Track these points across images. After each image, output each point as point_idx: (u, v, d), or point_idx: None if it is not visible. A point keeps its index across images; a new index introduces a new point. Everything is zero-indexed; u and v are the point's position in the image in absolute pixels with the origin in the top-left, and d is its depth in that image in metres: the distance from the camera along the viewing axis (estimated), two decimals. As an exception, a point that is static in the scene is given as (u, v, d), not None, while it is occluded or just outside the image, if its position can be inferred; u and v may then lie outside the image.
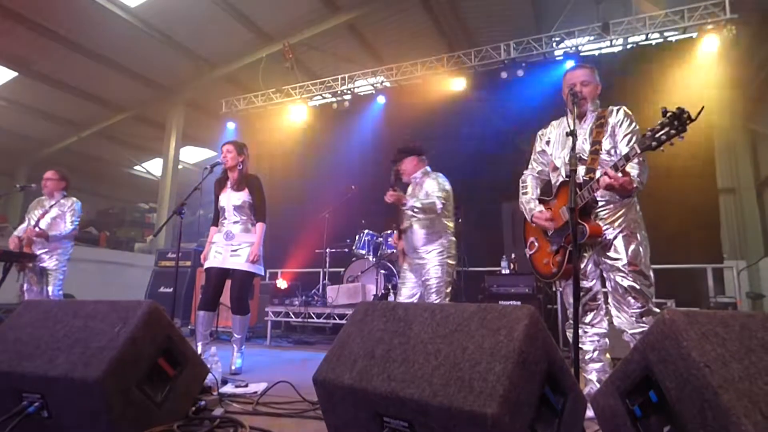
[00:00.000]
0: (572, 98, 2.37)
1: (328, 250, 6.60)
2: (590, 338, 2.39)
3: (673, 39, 6.47)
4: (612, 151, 2.37)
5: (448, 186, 3.71)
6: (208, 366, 2.74)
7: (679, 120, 1.89)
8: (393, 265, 5.75)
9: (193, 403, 2.10)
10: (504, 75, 7.19)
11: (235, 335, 3.62)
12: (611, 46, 6.81)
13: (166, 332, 1.94)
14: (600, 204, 2.36)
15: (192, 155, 14.03)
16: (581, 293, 2.37)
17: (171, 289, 6.31)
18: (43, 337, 1.87)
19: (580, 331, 2.39)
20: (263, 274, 3.90)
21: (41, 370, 1.75)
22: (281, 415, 2.25)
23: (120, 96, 10.80)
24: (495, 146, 6.78)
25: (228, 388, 2.75)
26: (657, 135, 1.95)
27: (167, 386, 1.92)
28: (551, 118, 2.76)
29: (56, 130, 11.76)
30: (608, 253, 2.32)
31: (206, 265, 3.64)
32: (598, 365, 2.38)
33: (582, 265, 2.37)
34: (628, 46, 6.72)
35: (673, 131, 1.91)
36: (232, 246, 3.61)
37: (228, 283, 3.68)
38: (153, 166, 14.00)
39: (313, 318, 5.55)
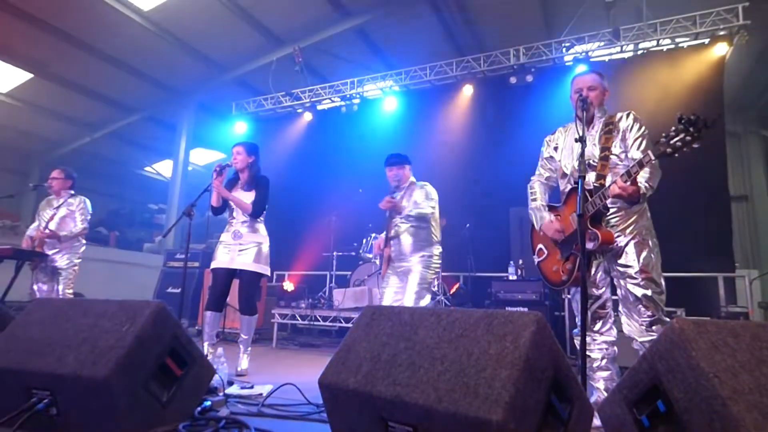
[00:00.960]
0: (581, 104, 2.36)
1: (335, 254, 6.61)
2: (599, 346, 2.36)
3: (685, 45, 6.42)
4: (623, 156, 2.35)
5: (436, 195, 3.79)
6: (215, 367, 2.76)
7: (695, 126, 1.87)
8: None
9: (199, 404, 2.11)
10: (513, 80, 7.19)
11: (242, 336, 3.63)
12: (621, 51, 6.77)
13: (173, 332, 1.95)
14: (611, 211, 2.34)
15: (202, 157, 14.14)
16: (591, 301, 2.36)
17: (179, 290, 6.38)
18: (53, 335, 1.89)
19: (589, 339, 2.37)
20: (269, 274, 3.90)
21: (50, 367, 1.77)
22: (286, 418, 2.25)
23: (132, 98, 10.93)
24: (502, 151, 6.76)
25: (234, 390, 2.76)
26: (672, 141, 1.93)
27: (174, 386, 1.93)
28: (559, 124, 2.75)
29: (69, 130, 11.92)
30: (619, 261, 2.30)
31: (213, 265, 3.66)
32: (606, 374, 2.35)
33: (592, 273, 2.35)
34: (639, 52, 6.69)
35: (688, 138, 1.89)
36: (239, 246, 3.62)
37: (235, 283, 3.69)
38: (163, 168, 14.13)
39: (319, 321, 5.56)
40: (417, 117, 7.79)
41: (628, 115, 2.40)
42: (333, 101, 8.74)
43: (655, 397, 1.44)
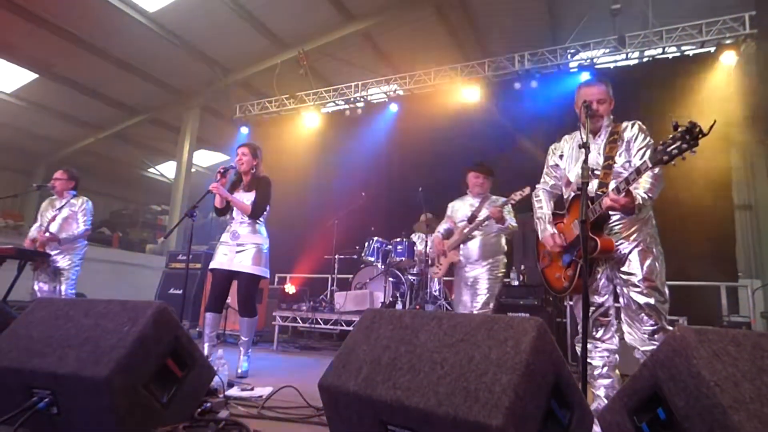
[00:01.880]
0: (585, 111, 2.36)
1: (336, 257, 6.61)
2: (600, 354, 2.36)
3: (690, 53, 6.42)
4: (626, 165, 2.35)
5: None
6: (215, 368, 2.76)
7: (691, 134, 1.87)
8: (401, 273, 5.74)
9: (199, 405, 2.11)
10: (517, 86, 7.20)
11: (242, 338, 3.62)
12: (627, 59, 6.78)
13: (174, 333, 1.95)
14: (614, 218, 2.33)
15: (205, 159, 14.19)
16: (592, 308, 2.35)
17: (180, 291, 6.38)
18: (54, 334, 1.90)
19: (591, 346, 2.37)
20: (268, 276, 3.90)
21: (51, 367, 1.77)
22: (286, 420, 2.25)
23: (136, 99, 10.98)
24: (507, 156, 6.75)
25: (234, 391, 2.76)
26: (668, 149, 1.93)
27: (174, 387, 1.93)
28: (563, 130, 2.75)
29: (74, 131, 11.98)
30: (622, 269, 2.29)
31: (212, 265, 3.65)
32: (607, 381, 2.34)
33: (594, 280, 2.35)
34: (644, 60, 6.69)
35: (684, 145, 1.89)
36: (237, 247, 3.62)
37: (235, 285, 3.68)
38: (166, 169, 14.18)
39: (320, 324, 5.55)
40: (421, 121, 7.79)
41: (633, 125, 2.40)
42: (337, 104, 8.77)
43: (655, 404, 1.44)
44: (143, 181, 15.04)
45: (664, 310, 2.22)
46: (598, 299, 2.36)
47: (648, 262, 2.25)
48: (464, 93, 7.55)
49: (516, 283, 5.40)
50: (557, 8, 8.25)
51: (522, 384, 1.27)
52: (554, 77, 7.08)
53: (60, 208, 4.55)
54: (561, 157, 2.63)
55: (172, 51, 9.16)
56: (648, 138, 2.36)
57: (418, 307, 5.35)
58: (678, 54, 6.49)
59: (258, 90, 10.19)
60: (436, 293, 5.73)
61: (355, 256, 6.40)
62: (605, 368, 2.35)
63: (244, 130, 9.48)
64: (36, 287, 4.47)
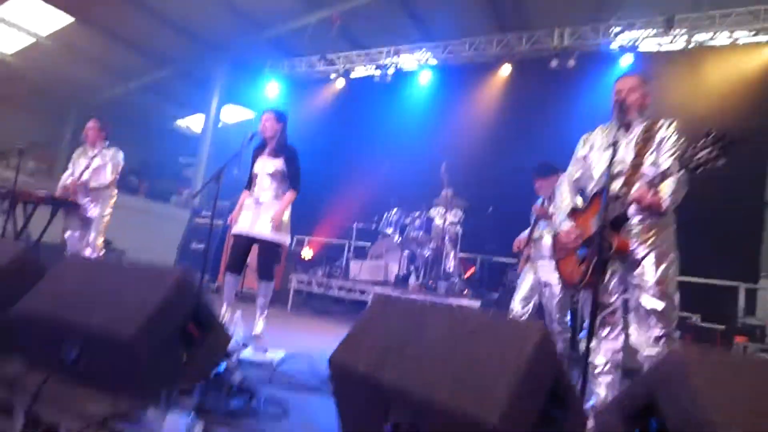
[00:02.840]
0: (618, 107, 2.30)
1: (355, 225, 6.69)
2: (604, 352, 2.39)
3: (742, 42, 6.07)
4: (654, 165, 2.30)
5: None
6: (231, 329, 2.90)
7: (722, 142, 1.83)
8: (418, 246, 5.80)
9: (216, 366, 2.24)
10: (554, 64, 6.95)
11: (260, 299, 3.75)
12: (673, 43, 6.45)
13: (195, 299, 2.05)
14: (635, 220, 2.31)
15: (233, 114, 14.23)
16: (602, 308, 2.37)
17: (202, 246, 6.59)
18: (84, 291, 2.02)
19: (595, 343, 2.40)
20: (288, 243, 3.99)
21: (81, 320, 1.90)
22: (295, 389, 2.37)
23: (168, 50, 11.00)
24: (535, 138, 6.62)
25: (248, 353, 2.90)
26: (696, 156, 1.89)
27: (193, 349, 2.04)
28: (598, 116, 2.66)
29: (105, 78, 12.13)
30: (636, 271, 2.28)
31: (234, 230, 3.75)
32: (608, 378, 2.38)
33: (606, 279, 2.35)
34: (692, 45, 6.35)
35: (714, 153, 1.85)
36: (260, 212, 3.69)
37: (255, 248, 3.78)
38: (194, 122, 14.31)
39: (334, 290, 5.70)
40: (451, 93, 7.67)
41: (670, 124, 2.32)
42: (367, 69, 8.64)
43: (649, 414, 1.48)
44: (171, 132, 15.22)
45: (673, 317, 2.23)
46: (608, 299, 2.37)
47: (662, 267, 2.24)
48: (498, 67, 7.34)
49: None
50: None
51: (521, 387, 1.31)
52: (593, 58, 6.82)
53: (92, 157, 4.68)
54: (591, 148, 2.58)
55: (204, 2, 9.08)
56: (683, 140, 2.29)
57: (431, 282, 5.43)
58: (730, 41, 6.14)
59: (289, 48, 10.08)
60: (450, 270, 5.80)
61: (374, 226, 6.47)
62: (608, 366, 2.38)
63: (273, 88, 9.46)
64: (66, 235, 4.67)
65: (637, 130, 2.40)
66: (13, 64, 10.91)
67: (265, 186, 3.75)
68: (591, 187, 2.56)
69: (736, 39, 6.11)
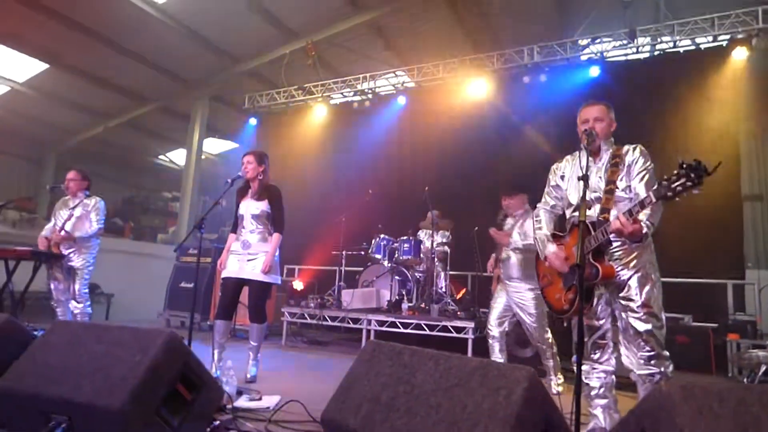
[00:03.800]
0: (587, 137, 2.37)
1: (344, 252, 6.69)
2: (597, 375, 2.41)
3: (702, 47, 6.30)
4: (627, 190, 2.36)
5: None
6: (224, 379, 2.87)
7: (696, 172, 1.88)
8: (407, 270, 5.81)
9: (209, 424, 2.21)
10: (526, 79, 7.13)
11: (252, 343, 3.73)
12: (638, 52, 6.66)
13: (183, 360, 2.04)
14: (615, 244, 2.35)
15: (215, 146, 14.26)
16: (592, 332, 2.40)
17: (191, 285, 6.53)
18: (70, 361, 1.99)
19: (588, 367, 2.43)
20: (280, 282, 3.99)
21: (68, 395, 1.87)
22: (292, 436, 2.35)
23: (146, 88, 11.01)
24: (515, 152, 6.73)
25: (242, 401, 2.86)
26: (673, 186, 1.94)
27: (184, 410, 2.02)
28: (571, 124, 2.69)
29: (84, 119, 12.07)
30: (622, 294, 2.32)
31: (224, 274, 3.74)
32: (603, 401, 2.41)
33: (593, 305, 2.39)
34: (656, 53, 6.57)
35: (689, 183, 1.90)
36: (248, 255, 3.70)
37: (245, 289, 3.77)
38: (177, 156, 14.28)
39: (327, 321, 5.67)
40: (429, 113, 7.76)
41: (634, 149, 2.40)
42: (345, 96, 8.75)
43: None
44: (154, 168, 15.17)
45: (661, 336, 2.26)
46: (596, 323, 2.41)
47: (647, 288, 2.29)
48: (473, 86, 7.49)
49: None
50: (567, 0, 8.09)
51: (512, 436, 1.33)
52: (563, 70, 7.00)
53: (74, 208, 4.65)
54: (563, 177, 2.64)
55: (180, 41, 9.14)
56: (648, 162, 2.36)
57: (423, 305, 5.43)
58: (691, 48, 6.37)
59: (267, 80, 10.17)
60: (442, 291, 5.81)
61: (362, 252, 6.47)
62: (602, 389, 2.41)
63: (253, 121, 9.51)
64: (51, 285, 4.62)
65: (606, 157, 2.47)
66: (-10, 112, 10.83)
67: (251, 228, 3.76)
68: (570, 214, 2.60)
69: (698, 44, 6.34)
